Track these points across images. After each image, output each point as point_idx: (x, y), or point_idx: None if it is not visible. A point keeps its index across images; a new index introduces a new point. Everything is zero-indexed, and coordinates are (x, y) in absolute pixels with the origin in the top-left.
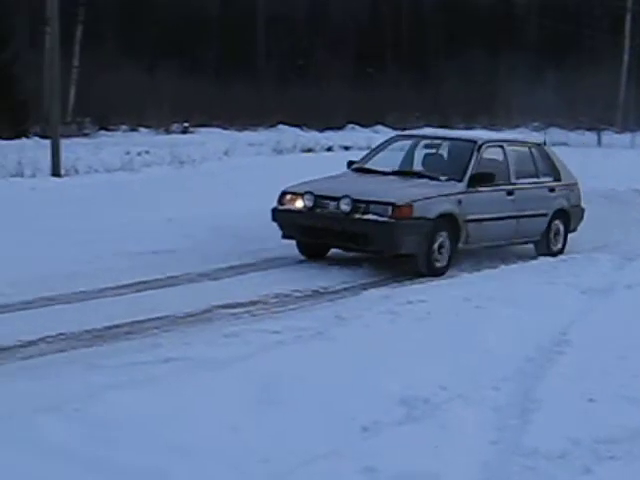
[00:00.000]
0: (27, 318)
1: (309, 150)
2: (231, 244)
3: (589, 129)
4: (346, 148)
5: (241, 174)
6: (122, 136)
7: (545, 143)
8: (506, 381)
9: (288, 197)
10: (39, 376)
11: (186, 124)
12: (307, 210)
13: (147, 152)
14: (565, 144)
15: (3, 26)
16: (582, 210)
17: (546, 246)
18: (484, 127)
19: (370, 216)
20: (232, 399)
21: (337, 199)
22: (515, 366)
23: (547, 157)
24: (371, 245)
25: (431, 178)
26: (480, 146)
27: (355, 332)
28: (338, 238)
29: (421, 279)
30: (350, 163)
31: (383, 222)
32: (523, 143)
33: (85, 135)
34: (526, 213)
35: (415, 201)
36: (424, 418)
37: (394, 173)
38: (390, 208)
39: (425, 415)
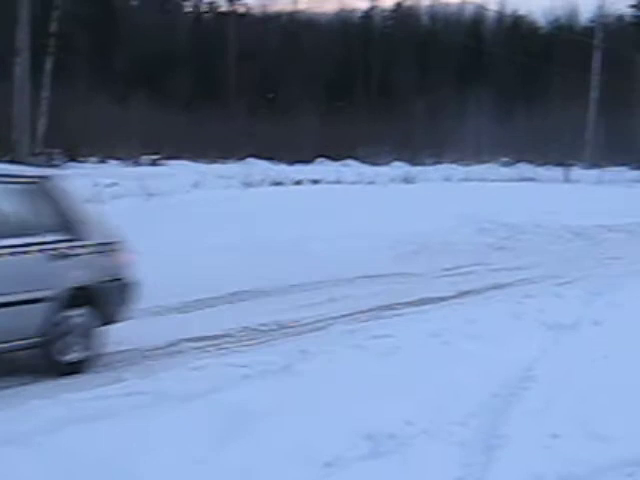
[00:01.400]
0: None
1: (278, 184)
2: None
3: (557, 164)
4: (315, 182)
5: (209, 207)
6: (91, 168)
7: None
8: (472, 417)
9: None
10: (1, 407)
11: (156, 156)
12: None
13: (116, 184)
14: (533, 179)
15: None
16: (130, 286)
17: (49, 355)
18: (453, 162)
19: None
20: (197, 433)
21: None
22: (481, 402)
23: (58, 201)
24: None
25: None
26: None
27: (321, 367)
28: None
29: (388, 312)
30: None
31: None
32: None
33: (54, 166)
34: None
35: None
36: (389, 453)
37: None
38: None
39: (390, 450)
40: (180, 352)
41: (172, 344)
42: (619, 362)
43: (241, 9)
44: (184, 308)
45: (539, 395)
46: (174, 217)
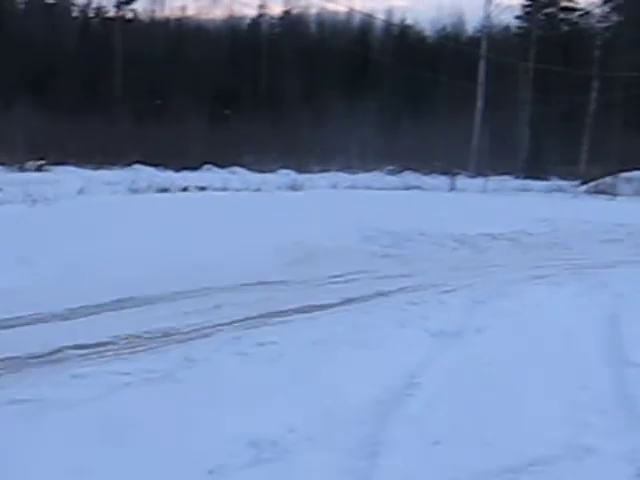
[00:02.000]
0: None
1: (164, 190)
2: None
3: (443, 173)
4: (202, 189)
5: (95, 213)
6: None
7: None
8: (355, 423)
9: None
10: None
11: (41, 162)
12: None
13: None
14: (419, 188)
15: None
16: None
17: None
18: (339, 170)
19: None
20: (77, 441)
21: None
22: (364, 409)
23: None
24: None
25: None
26: None
27: (204, 374)
28: None
29: (274, 319)
30: None
31: None
32: None
33: None
34: None
35: None
36: (272, 461)
37: None
38: None
39: (274, 458)
40: (62, 360)
41: (55, 351)
42: (501, 369)
43: (129, 15)
44: (68, 315)
45: (422, 402)
46: (59, 223)
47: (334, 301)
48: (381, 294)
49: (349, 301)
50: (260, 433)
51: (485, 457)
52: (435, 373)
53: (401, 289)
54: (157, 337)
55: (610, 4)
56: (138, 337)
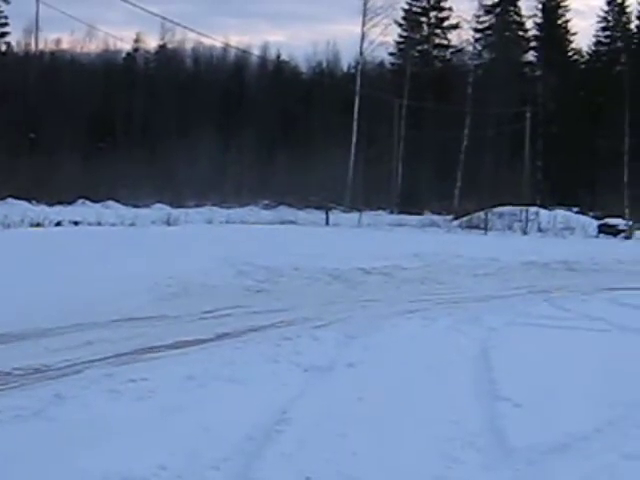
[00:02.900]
0: None
1: (38, 224)
2: None
3: (318, 208)
4: (76, 223)
5: None
6: None
7: None
8: (226, 461)
9: None
10: None
11: None
12: None
13: None
14: (294, 222)
15: None
16: None
17: None
18: (214, 205)
19: None
20: None
21: None
22: (235, 445)
23: None
24: None
25: None
26: None
27: (75, 411)
28: None
29: (146, 355)
30: None
31: None
32: None
33: None
34: None
35: None
36: None
37: None
38: None
39: None
40: None
41: None
42: (372, 403)
43: (2, 46)
44: None
45: (293, 437)
46: None
47: (207, 336)
48: (254, 329)
49: (222, 336)
50: (131, 471)
51: None
52: (307, 408)
53: (274, 324)
54: (28, 374)
55: (482, 42)
56: (8, 374)
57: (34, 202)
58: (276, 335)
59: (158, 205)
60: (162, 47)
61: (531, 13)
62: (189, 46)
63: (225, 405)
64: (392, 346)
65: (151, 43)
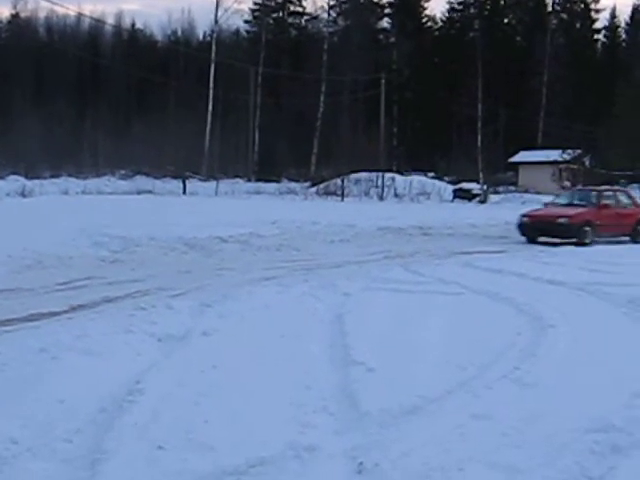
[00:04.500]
0: None
1: None
2: None
3: (175, 177)
4: None
5: None
6: None
7: None
8: (78, 433)
9: None
10: None
11: None
12: None
13: None
14: (151, 192)
15: None
16: None
17: None
18: (70, 175)
19: None
20: None
21: None
22: (88, 417)
23: None
24: None
25: None
26: None
27: None
28: None
29: None
30: None
31: None
32: None
33: None
34: None
35: None
36: None
37: None
38: None
39: None
40: None
41: None
42: (226, 371)
43: None
44: None
45: (146, 408)
46: None
47: (61, 308)
48: (109, 300)
49: (76, 308)
50: None
51: (208, 460)
52: (160, 378)
53: (129, 294)
54: None
55: (336, 9)
56: None
57: None
58: (131, 305)
59: (12, 177)
60: (14, 16)
61: None
62: (42, 15)
63: (78, 377)
64: (247, 314)
65: (3, 12)
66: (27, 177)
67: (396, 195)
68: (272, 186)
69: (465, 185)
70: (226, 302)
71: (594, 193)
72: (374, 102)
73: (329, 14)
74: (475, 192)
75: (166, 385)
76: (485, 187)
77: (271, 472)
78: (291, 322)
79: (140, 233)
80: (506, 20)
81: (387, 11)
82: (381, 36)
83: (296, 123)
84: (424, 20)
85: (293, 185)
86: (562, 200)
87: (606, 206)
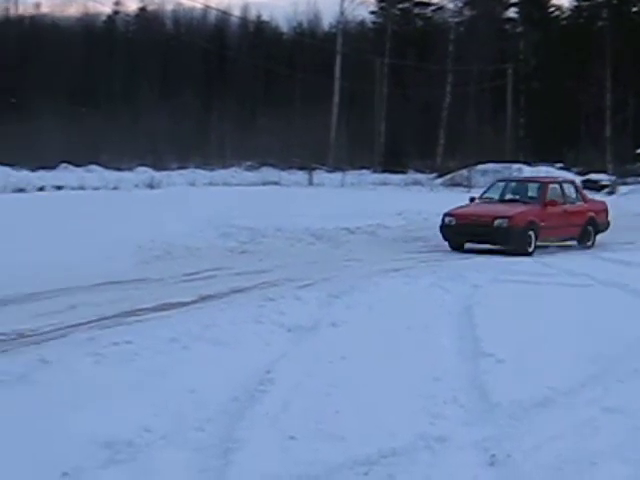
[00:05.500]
0: None
1: (20, 190)
2: None
3: (301, 168)
4: (59, 188)
5: None
6: None
7: None
8: (210, 422)
9: None
10: None
11: None
12: None
13: None
14: (277, 183)
15: None
16: None
17: None
18: (197, 167)
19: None
20: None
21: None
22: (219, 406)
23: None
24: None
25: None
26: None
27: (59, 375)
28: None
29: (130, 318)
30: None
31: None
32: None
33: None
34: None
35: None
36: (127, 461)
37: None
38: None
39: (129, 458)
40: None
41: None
42: (355, 362)
43: None
44: None
45: (277, 397)
46: None
47: (190, 299)
48: (237, 290)
49: (205, 298)
50: (115, 433)
51: (339, 450)
52: (290, 368)
53: (257, 285)
54: (12, 339)
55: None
56: None
57: (16, 167)
58: (259, 296)
59: (141, 168)
60: (142, 10)
61: None
62: (169, 8)
63: (209, 367)
64: (375, 305)
65: (131, 6)
66: (155, 168)
67: None
68: (398, 177)
69: (593, 176)
70: (354, 293)
71: (536, 185)
72: (500, 92)
73: (455, 4)
74: (603, 183)
75: (296, 375)
76: (614, 178)
77: (402, 463)
78: (419, 313)
79: (267, 224)
80: (635, 9)
81: (513, 1)
82: (507, 26)
83: (422, 114)
84: (551, 10)
85: (419, 176)
86: (493, 194)
87: (552, 203)
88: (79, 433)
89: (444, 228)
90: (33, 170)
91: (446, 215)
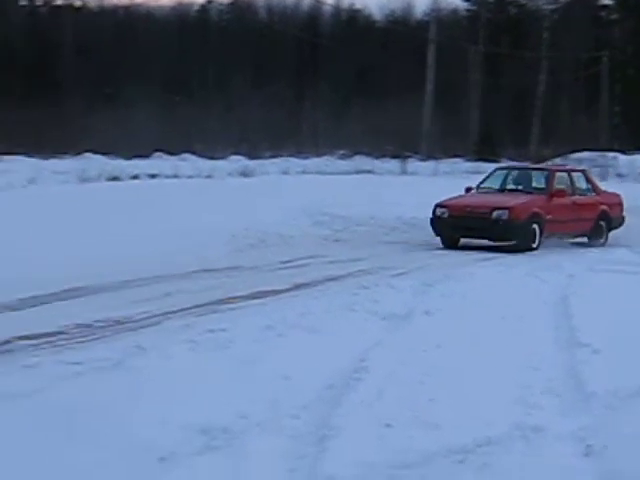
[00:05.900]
0: None
1: (115, 178)
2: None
3: (394, 157)
4: (153, 176)
5: (45, 202)
6: None
7: None
8: (305, 409)
9: None
10: None
11: None
12: None
13: None
14: (370, 172)
15: None
16: None
17: None
18: (290, 155)
19: None
20: (28, 431)
21: None
22: (314, 394)
23: None
24: None
25: None
26: None
27: (155, 362)
28: None
29: (224, 306)
30: None
31: None
32: None
33: None
34: None
35: None
36: (223, 447)
37: None
38: None
39: (224, 444)
40: (13, 350)
41: (4, 342)
42: (450, 351)
43: (77, 3)
44: (18, 305)
45: (372, 385)
46: (9, 213)
47: (284, 287)
48: (331, 279)
49: (300, 286)
50: (211, 420)
51: (435, 439)
52: (384, 356)
53: (351, 273)
54: (108, 326)
55: None
56: (89, 326)
57: (111, 156)
58: (353, 284)
59: (234, 157)
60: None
61: None
62: None
63: (304, 354)
64: (469, 294)
65: None
66: (248, 157)
67: (619, 175)
68: (492, 166)
69: None
70: (448, 282)
71: (542, 174)
72: (595, 80)
73: None
74: None
75: (390, 363)
76: None
77: (497, 452)
78: (514, 303)
79: (361, 213)
80: None
81: None
82: (603, 13)
83: (515, 102)
84: None
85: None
86: (492, 183)
87: (560, 193)
88: (175, 419)
89: (435, 221)
90: (128, 159)
91: (437, 206)
